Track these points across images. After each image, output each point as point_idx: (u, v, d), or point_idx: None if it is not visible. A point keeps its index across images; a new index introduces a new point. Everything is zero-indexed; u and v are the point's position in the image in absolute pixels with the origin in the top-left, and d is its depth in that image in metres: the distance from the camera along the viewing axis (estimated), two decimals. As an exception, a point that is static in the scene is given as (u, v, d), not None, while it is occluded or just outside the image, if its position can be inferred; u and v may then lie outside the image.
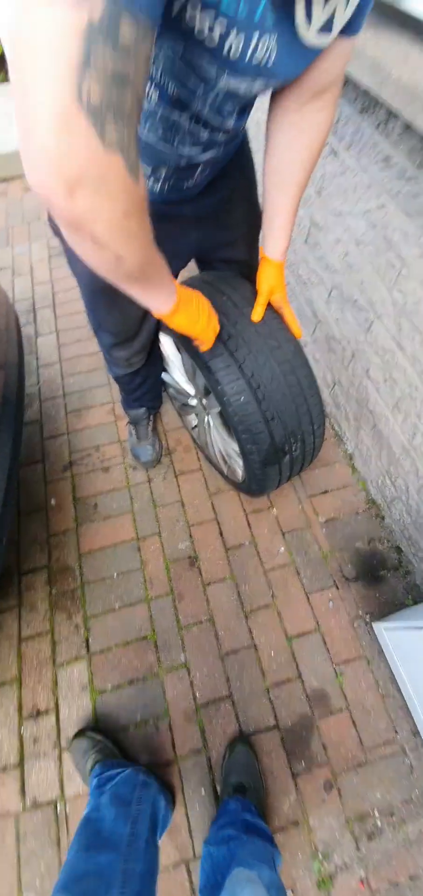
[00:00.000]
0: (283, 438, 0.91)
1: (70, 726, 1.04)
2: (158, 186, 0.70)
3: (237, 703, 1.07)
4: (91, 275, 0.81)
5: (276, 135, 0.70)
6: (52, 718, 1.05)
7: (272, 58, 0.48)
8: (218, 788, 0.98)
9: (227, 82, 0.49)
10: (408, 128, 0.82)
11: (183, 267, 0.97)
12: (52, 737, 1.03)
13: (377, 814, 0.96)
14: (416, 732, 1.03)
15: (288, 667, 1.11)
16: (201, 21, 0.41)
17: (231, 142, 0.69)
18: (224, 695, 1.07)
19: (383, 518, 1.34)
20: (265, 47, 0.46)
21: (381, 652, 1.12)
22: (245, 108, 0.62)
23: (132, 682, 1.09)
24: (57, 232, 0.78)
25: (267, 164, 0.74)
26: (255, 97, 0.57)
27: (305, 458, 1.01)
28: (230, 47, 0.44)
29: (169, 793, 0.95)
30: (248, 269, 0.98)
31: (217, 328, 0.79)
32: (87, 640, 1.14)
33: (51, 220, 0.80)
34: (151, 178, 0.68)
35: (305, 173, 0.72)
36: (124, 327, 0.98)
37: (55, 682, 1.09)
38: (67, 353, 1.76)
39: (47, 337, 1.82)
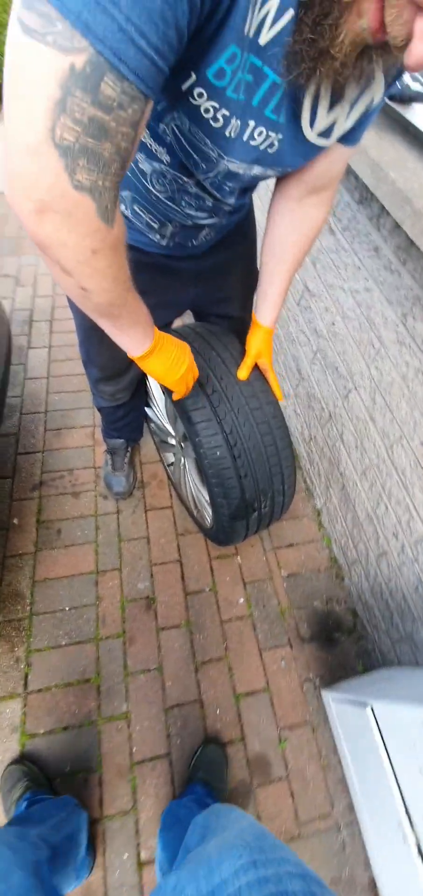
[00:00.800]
0: (253, 495, 0.91)
1: (-4, 769, 0.97)
2: (164, 241, 0.73)
3: (175, 763, 1.03)
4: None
5: (275, 218, 0.74)
6: (-23, 758, 0.98)
7: (275, 147, 0.51)
8: (141, 852, 0.93)
9: (226, 165, 0.52)
10: (397, 227, 0.86)
11: (177, 317, 0.99)
12: (-24, 780, 0.96)
13: None
14: (351, 807, 1.02)
15: (232, 727, 1.09)
16: (206, 106, 0.43)
17: (236, 213, 0.72)
18: (162, 753, 1.04)
19: (343, 579, 1.35)
20: (263, 137, 0.48)
21: (326, 719, 1.12)
22: (246, 189, 0.64)
23: (67, 727, 1.03)
24: None
25: (266, 242, 0.78)
26: (256, 181, 0.59)
27: (272, 516, 1.02)
28: (231, 130, 0.46)
29: (92, 847, 0.91)
30: (240, 325, 1.00)
31: (190, 385, 0.78)
32: (25, 677, 1.08)
33: None
34: (159, 233, 0.70)
35: (299, 255, 0.77)
36: (113, 364, 0.99)
37: (-15, 720, 1.02)
38: (57, 370, 1.72)
39: (39, 350, 1.78)
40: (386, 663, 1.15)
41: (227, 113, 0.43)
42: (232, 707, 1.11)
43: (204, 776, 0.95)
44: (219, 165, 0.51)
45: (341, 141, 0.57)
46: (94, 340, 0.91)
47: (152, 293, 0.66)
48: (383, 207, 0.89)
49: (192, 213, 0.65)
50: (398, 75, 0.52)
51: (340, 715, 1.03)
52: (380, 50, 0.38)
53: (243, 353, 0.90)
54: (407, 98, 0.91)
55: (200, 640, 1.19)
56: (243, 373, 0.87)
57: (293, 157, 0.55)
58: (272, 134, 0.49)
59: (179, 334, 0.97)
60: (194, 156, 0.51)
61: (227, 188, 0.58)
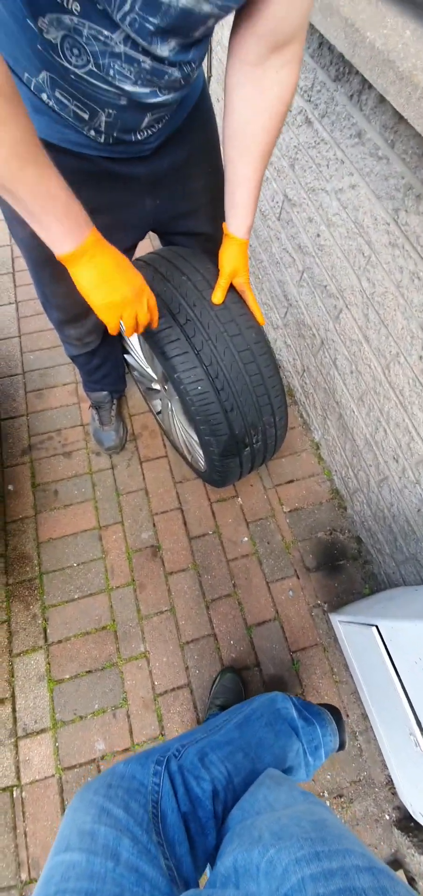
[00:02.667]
0: (243, 430, 0.88)
1: (26, 715, 1.04)
2: (102, 137, 0.61)
3: (195, 692, 1.09)
4: (32, 242, 0.73)
5: (235, 91, 0.61)
6: (9, 708, 1.05)
7: None
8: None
9: None
10: (382, 101, 0.75)
11: (140, 239, 0.88)
12: (9, 725, 1.03)
13: (326, 795, 1.01)
14: (365, 716, 1.08)
15: (247, 655, 1.14)
16: None
17: (183, 88, 0.58)
18: (183, 683, 1.09)
19: (345, 509, 1.35)
20: None
21: (337, 640, 1.16)
22: (189, 45, 0.51)
23: (90, 671, 1.09)
24: None
25: (226, 127, 0.65)
26: (190, 20, 0.46)
27: (267, 451, 0.99)
28: None
29: None
30: (211, 242, 0.89)
31: (148, 319, 0.69)
32: (44, 630, 1.13)
33: None
34: (91, 126, 0.59)
35: (268, 138, 0.64)
36: (71, 302, 0.87)
37: (12, 673, 1.08)
38: (28, 327, 1.64)
39: (5, 308, 1.69)
40: (392, 585, 1.17)
41: None
42: (245, 637, 1.15)
43: (223, 702, 1.00)
44: None
45: None
46: (45, 277, 0.83)
47: (103, 210, 0.58)
48: (364, 80, 0.77)
49: (127, 87, 0.52)
50: None
51: (348, 636, 1.06)
52: None
53: (216, 273, 0.82)
54: None
55: (208, 580, 1.22)
56: (218, 296, 0.80)
57: None
58: None
59: (142, 262, 0.89)
60: None
61: (150, 25, 0.45)
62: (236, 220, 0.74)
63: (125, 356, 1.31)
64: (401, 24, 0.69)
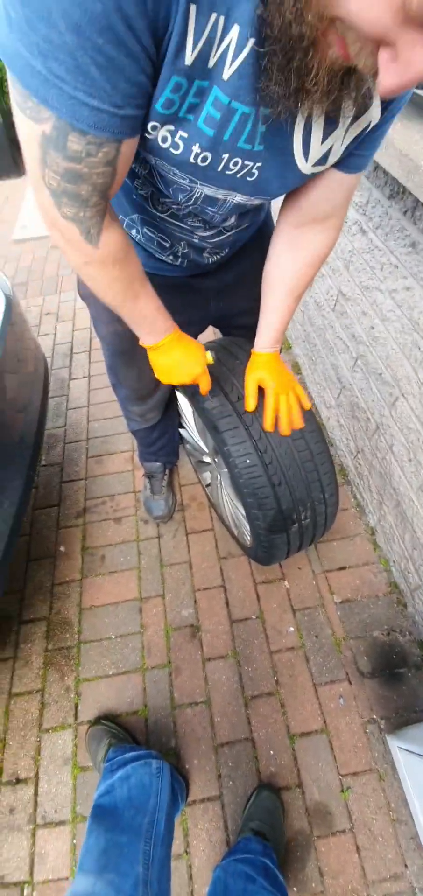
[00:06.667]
0: (290, 505, 0.86)
1: (47, 801, 0.98)
2: (178, 261, 0.74)
3: (227, 807, 0.96)
4: (112, 338, 0.88)
5: (277, 243, 0.71)
6: (31, 790, 0.99)
7: (255, 175, 0.49)
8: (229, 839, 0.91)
9: (202, 190, 0.51)
10: (437, 216, 0.79)
11: (202, 332, 0.99)
12: (29, 809, 0.97)
13: None
14: (433, 876, 0.88)
15: (288, 771, 1.00)
16: (163, 135, 0.43)
17: (245, 229, 0.70)
18: (214, 794, 0.98)
19: (405, 606, 1.21)
20: (238, 166, 0.47)
21: (395, 768, 0.98)
22: (245, 213, 0.62)
23: (118, 760, 1.02)
24: (85, 299, 0.84)
25: (266, 267, 0.75)
26: (245, 208, 0.57)
27: (316, 528, 0.95)
28: (198, 157, 0.45)
29: (182, 780, 0.94)
30: None
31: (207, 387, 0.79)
32: (76, 707, 1.09)
33: (78, 286, 0.86)
34: (171, 252, 0.72)
35: (299, 284, 0.73)
36: (139, 385, 1.02)
37: (38, 750, 1.04)
38: (96, 398, 1.81)
39: (80, 381, 1.89)
40: (465, 704, 1.00)
41: (185, 136, 0.43)
42: (287, 748, 1.02)
43: (259, 827, 0.88)
44: (194, 192, 0.51)
45: (340, 167, 0.54)
46: (120, 363, 0.95)
47: (175, 312, 0.68)
48: (417, 200, 0.83)
49: (199, 233, 0.65)
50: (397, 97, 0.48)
51: (408, 767, 0.90)
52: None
53: None
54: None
55: (248, 672, 1.13)
56: (250, 404, 0.82)
57: (280, 185, 0.53)
58: (249, 163, 0.47)
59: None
60: (170, 188, 0.52)
61: (209, 212, 0.56)
62: (260, 339, 0.81)
63: (180, 429, 1.37)
64: (454, 153, 0.74)
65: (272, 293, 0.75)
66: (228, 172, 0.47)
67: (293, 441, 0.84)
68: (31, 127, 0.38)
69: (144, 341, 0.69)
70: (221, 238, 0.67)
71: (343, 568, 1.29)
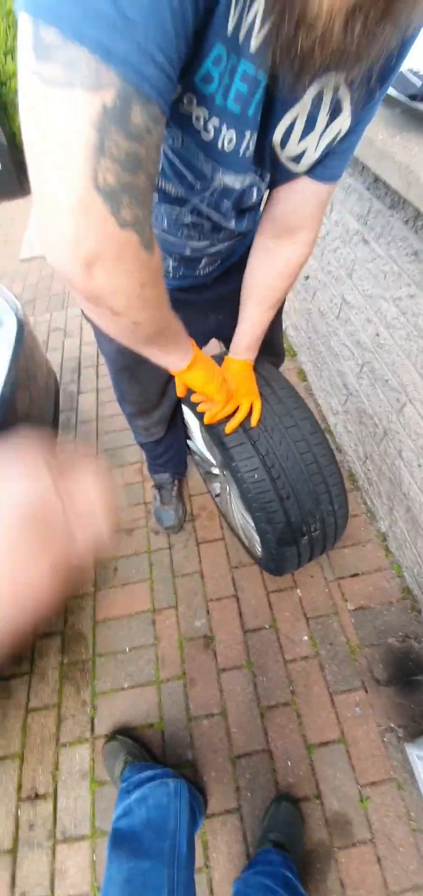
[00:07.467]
0: (299, 518, 0.87)
1: (66, 816, 0.98)
2: (170, 274, 0.74)
3: (246, 819, 0.96)
4: (116, 355, 0.89)
5: (252, 255, 0.73)
6: (50, 805, 1.00)
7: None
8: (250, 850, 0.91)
9: (222, 178, 0.50)
10: (439, 225, 0.80)
11: (204, 346, 1.00)
12: (48, 825, 0.98)
13: None
14: (457, 889, 0.86)
15: (306, 782, 0.99)
16: (197, 114, 0.42)
17: (239, 239, 0.71)
18: (232, 807, 0.97)
19: (419, 612, 1.20)
20: (254, 144, 0.47)
21: (414, 776, 0.97)
22: (244, 211, 0.62)
23: (135, 774, 1.02)
24: (88, 318, 0.85)
25: (244, 276, 0.77)
26: (251, 195, 0.57)
27: (326, 540, 0.95)
28: (224, 141, 0.45)
29: (200, 795, 0.93)
30: (267, 345, 0.98)
31: (231, 396, 0.79)
32: (92, 720, 1.10)
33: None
34: (163, 267, 0.71)
35: (272, 294, 0.74)
36: (144, 399, 1.03)
37: (56, 765, 1.04)
38: (104, 412, 1.84)
39: (88, 395, 1.92)
40: None
41: (217, 123, 0.42)
42: (304, 759, 1.02)
43: (278, 838, 0.87)
44: (214, 181, 0.50)
45: (311, 175, 0.56)
46: (124, 378, 0.96)
47: None
48: (418, 210, 0.84)
49: (192, 243, 0.64)
50: (367, 103, 0.50)
51: (431, 774, 0.89)
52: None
53: (270, 371, 0.91)
54: (434, 95, 0.88)
55: (263, 682, 1.12)
56: (230, 426, 0.83)
57: (269, 165, 0.54)
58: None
59: None
60: (188, 176, 0.51)
61: (224, 205, 0.55)
62: (233, 348, 0.83)
63: (187, 442, 1.39)
64: (455, 163, 0.76)
65: (246, 303, 0.77)
66: (247, 154, 0.48)
67: (301, 454, 0.85)
68: (83, 102, 0.28)
69: (184, 360, 0.64)
70: (214, 249, 0.68)
71: (356, 575, 1.29)
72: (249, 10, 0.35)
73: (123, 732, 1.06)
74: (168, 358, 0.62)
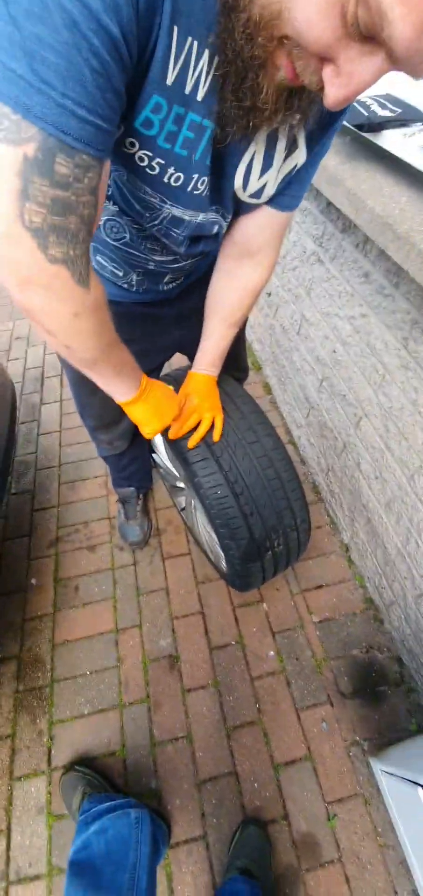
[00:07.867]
0: (263, 534, 0.87)
1: (21, 856, 0.92)
2: (134, 288, 0.74)
3: (212, 847, 0.93)
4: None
5: (216, 273, 0.75)
6: (3, 843, 0.93)
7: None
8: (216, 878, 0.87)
9: (170, 210, 0.51)
10: (383, 252, 0.85)
11: (167, 360, 1.00)
12: (1, 865, 0.91)
13: None
14: (417, 893, 0.86)
15: (273, 803, 0.97)
16: (140, 154, 0.44)
17: (202, 258, 0.71)
18: (198, 835, 0.94)
19: (381, 622, 1.23)
20: (205, 185, 0.49)
21: (380, 790, 0.97)
22: (198, 238, 0.62)
23: (94, 808, 0.97)
24: None
25: (207, 294, 0.78)
26: (205, 229, 0.58)
27: (290, 555, 0.96)
28: (171, 178, 0.46)
29: (164, 824, 0.89)
30: (232, 361, 0.99)
31: (192, 412, 0.81)
32: (49, 751, 1.04)
33: None
34: (125, 280, 0.72)
35: (233, 312, 0.76)
36: (105, 413, 1.01)
37: (10, 800, 0.98)
38: (68, 423, 1.78)
39: (52, 405, 1.87)
40: (444, 718, 1.01)
41: (162, 161, 0.44)
42: (271, 780, 1.00)
43: (246, 864, 0.85)
44: (162, 212, 0.52)
45: (271, 204, 0.59)
46: (85, 392, 0.94)
47: (135, 341, 0.67)
48: (366, 235, 0.89)
49: (156, 257, 0.65)
50: (320, 139, 0.54)
51: (391, 790, 0.90)
52: (304, 90, 0.38)
53: (234, 387, 0.91)
54: (376, 125, 0.93)
55: (229, 701, 1.10)
56: (190, 440, 0.83)
57: (232, 206, 0.57)
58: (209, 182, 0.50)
59: (170, 378, 0.99)
60: (136, 205, 0.52)
61: (174, 234, 0.56)
62: (196, 364, 0.84)
63: (152, 455, 1.37)
64: (397, 193, 0.80)
65: (210, 319, 0.79)
66: (195, 192, 0.49)
67: (263, 470, 0.86)
68: (5, 153, 0.32)
69: (126, 395, 0.65)
70: (178, 265, 0.69)
71: (320, 586, 1.30)
72: (195, 66, 0.38)
73: (83, 762, 1.01)
74: (109, 387, 0.63)
